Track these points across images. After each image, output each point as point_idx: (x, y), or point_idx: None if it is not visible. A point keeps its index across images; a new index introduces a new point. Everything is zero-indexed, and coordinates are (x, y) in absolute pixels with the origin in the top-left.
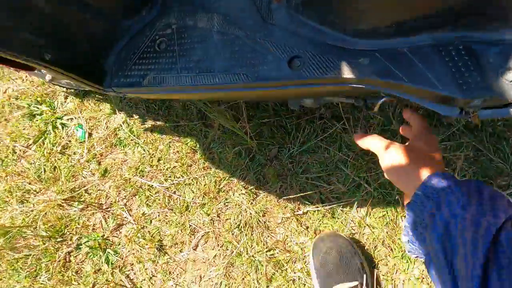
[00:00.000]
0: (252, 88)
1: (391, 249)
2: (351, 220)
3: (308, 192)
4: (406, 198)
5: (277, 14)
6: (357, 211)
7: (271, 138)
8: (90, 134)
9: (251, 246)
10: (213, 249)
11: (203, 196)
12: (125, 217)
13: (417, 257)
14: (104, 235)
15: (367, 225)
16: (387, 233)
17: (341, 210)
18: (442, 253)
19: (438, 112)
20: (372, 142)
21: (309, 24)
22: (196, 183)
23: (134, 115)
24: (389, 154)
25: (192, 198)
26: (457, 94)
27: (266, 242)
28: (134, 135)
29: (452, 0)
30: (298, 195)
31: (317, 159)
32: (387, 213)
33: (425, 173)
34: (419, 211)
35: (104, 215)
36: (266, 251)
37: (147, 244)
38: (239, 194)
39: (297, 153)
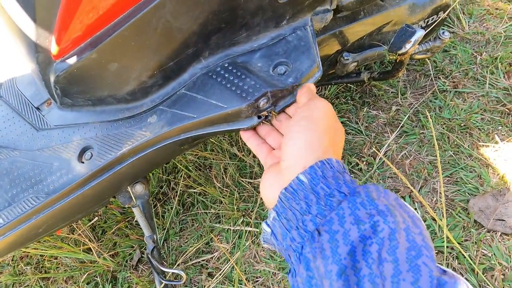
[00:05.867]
0: (50, 207)
1: None
2: None
3: None
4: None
5: (50, 116)
6: None
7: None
8: None
9: None
10: None
11: None
12: None
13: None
14: None
15: None
16: None
17: None
18: None
19: (241, 129)
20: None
21: (83, 111)
22: None
23: None
24: None
25: None
26: (240, 103)
27: None
28: None
29: (194, 26)
30: None
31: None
32: None
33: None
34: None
35: None
36: None
37: None
38: None
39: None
